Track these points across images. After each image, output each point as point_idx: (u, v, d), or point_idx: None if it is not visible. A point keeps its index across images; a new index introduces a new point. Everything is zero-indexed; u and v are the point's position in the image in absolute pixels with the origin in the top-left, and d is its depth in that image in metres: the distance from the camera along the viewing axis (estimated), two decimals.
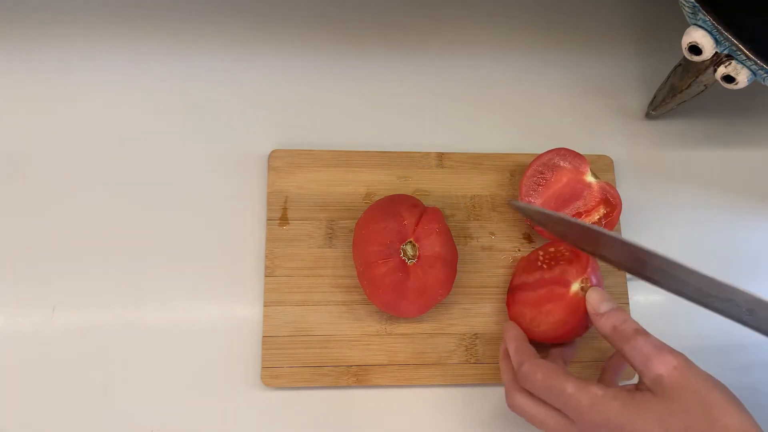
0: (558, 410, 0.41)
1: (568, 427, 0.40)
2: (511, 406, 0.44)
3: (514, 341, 0.46)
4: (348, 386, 0.50)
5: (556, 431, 0.41)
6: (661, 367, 0.37)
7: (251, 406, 0.49)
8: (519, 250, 0.54)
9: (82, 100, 0.55)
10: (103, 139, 0.54)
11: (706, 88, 0.52)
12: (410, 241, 0.48)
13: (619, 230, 0.55)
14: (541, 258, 0.51)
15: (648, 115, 0.59)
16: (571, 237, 0.45)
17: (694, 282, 0.40)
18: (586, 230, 0.42)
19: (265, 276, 0.51)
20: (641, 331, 0.40)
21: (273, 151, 0.54)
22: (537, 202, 0.52)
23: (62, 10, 0.57)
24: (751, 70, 0.46)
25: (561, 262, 0.49)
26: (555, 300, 0.47)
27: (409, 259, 0.48)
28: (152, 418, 0.48)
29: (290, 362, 0.49)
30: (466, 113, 0.58)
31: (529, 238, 0.54)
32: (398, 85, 0.58)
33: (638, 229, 0.56)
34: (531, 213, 0.46)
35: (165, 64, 0.57)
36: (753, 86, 0.48)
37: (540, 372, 0.41)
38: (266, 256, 0.51)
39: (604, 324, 0.42)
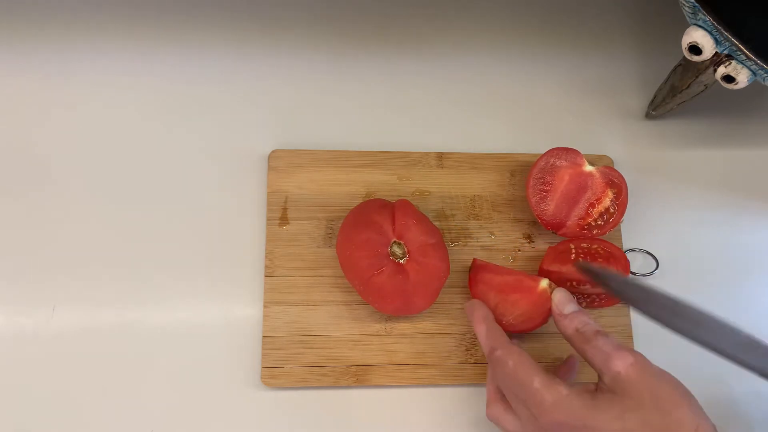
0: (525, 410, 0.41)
1: (532, 421, 0.41)
2: (489, 415, 0.45)
3: (483, 323, 0.45)
4: (348, 386, 0.50)
5: None
6: (620, 364, 0.38)
7: (251, 406, 0.49)
8: (519, 250, 0.54)
9: (82, 101, 0.55)
10: (102, 140, 0.54)
11: (706, 88, 0.52)
12: (394, 242, 0.48)
13: (619, 228, 0.55)
14: (573, 252, 0.51)
15: (648, 115, 0.59)
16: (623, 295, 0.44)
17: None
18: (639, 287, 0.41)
19: (265, 276, 0.51)
20: (602, 333, 0.41)
21: (273, 151, 0.54)
22: (549, 209, 0.52)
23: (61, 11, 0.57)
24: (751, 70, 0.46)
25: (598, 260, 0.50)
26: (522, 291, 0.47)
27: (400, 258, 0.48)
28: (152, 418, 0.48)
29: (290, 362, 0.49)
30: (466, 113, 0.58)
31: (529, 238, 0.54)
32: (398, 85, 0.58)
33: (638, 229, 0.56)
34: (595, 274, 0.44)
35: (164, 64, 0.57)
36: (753, 86, 0.48)
37: (512, 360, 0.42)
38: (266, 256, 0.51)
39: (568, 325, 0.43)
